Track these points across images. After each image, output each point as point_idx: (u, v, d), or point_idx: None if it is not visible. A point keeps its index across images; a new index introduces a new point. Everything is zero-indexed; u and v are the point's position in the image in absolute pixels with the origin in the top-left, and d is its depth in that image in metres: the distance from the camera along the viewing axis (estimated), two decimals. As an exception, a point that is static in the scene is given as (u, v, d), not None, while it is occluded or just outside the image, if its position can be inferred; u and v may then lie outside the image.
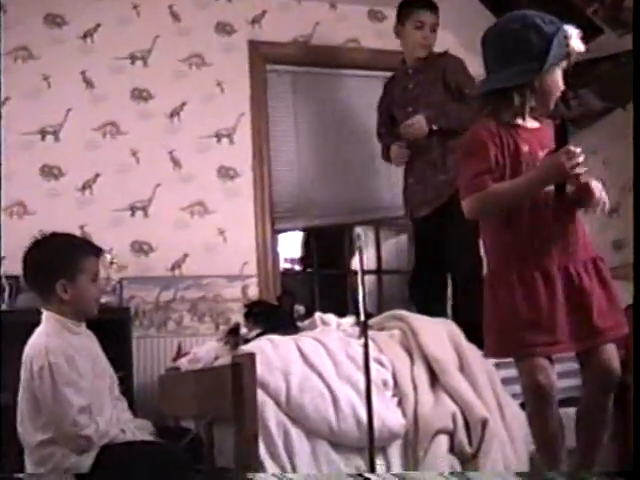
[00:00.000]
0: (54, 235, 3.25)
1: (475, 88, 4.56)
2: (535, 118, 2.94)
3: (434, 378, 3.59)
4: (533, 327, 2.75)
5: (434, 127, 4.58)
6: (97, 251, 3.27)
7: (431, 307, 4.39)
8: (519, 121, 2.89)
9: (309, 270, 5.98)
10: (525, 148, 2.85)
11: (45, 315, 3.12)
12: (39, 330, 3.09)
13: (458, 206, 4.38)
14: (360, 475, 3.12)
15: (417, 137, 4.61)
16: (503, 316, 2.80)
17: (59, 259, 3.14)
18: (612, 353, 2.86)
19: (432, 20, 4.78)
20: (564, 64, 2.89)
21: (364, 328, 3.00)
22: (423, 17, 4.78)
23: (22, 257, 3.21)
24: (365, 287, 3.05)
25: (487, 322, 2.88)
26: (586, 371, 2.93)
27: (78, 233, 4.81)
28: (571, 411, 3.79)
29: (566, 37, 2.82)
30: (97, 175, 5.03)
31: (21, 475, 3.04)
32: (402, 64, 4.93)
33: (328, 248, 6.02)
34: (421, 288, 4.76)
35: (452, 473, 3.30)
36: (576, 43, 2.85)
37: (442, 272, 4.75)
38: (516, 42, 2.80)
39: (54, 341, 3.01)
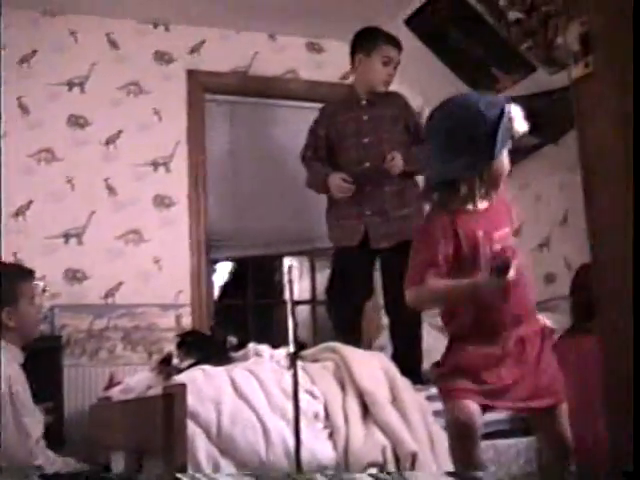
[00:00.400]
0: None
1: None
2: (486, 197, 2.88)
3: (366, 411, 3.59)
4: (469, 374, 2.79)
5: (407, 169, 4.56)
6: (30, 274, 3.28)
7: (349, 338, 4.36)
8: (469, 206, 2.85)
9: (242, 301, 5.96)
10: (480, 232, 2.81)
11: None
12: None
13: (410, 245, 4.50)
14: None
15: (394, 173, 4.56)
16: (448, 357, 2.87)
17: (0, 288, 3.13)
18: (564, 418, 2.91)
19: (397, 58, 4.77)
20: (510, 144, 2.85)
21: (293, 359, 3.01)
22: (392, 53, 4.75)
23: None
24: (296, 318, 3.06)
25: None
26: (540, 436, 3.00)
27: (11, 260, 4.78)
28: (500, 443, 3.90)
29: (510, 119, 2.79)
30: (30, 202, 4.99)
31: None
32: (350, 93, 4.89)
33: (262, 278, 6.03)
34: (341, 319, 4.72)
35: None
36: (520, 124, 2.83)
37: (359, 305, 4.74)
38: (463, 133, 2.74)
39: (12, 369, 3.01)
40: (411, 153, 4.61)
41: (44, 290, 4.64)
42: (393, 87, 5.39)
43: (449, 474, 2.81)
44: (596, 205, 2.32)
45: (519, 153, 5.75)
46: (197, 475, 3.10)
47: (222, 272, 5.95)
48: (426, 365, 4.50)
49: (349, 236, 4.69)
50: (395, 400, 3.63)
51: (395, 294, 4.46)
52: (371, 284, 4.78)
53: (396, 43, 4.80)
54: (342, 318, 4.69)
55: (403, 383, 3.73)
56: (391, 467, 3.41)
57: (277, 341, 4.52)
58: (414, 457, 3.42)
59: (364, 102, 4.79)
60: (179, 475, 2.96)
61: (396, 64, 4.79)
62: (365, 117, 4.74)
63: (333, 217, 4.79)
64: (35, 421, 2.99)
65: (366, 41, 4.80)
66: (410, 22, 5.43)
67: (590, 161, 2.35)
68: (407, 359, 4.25)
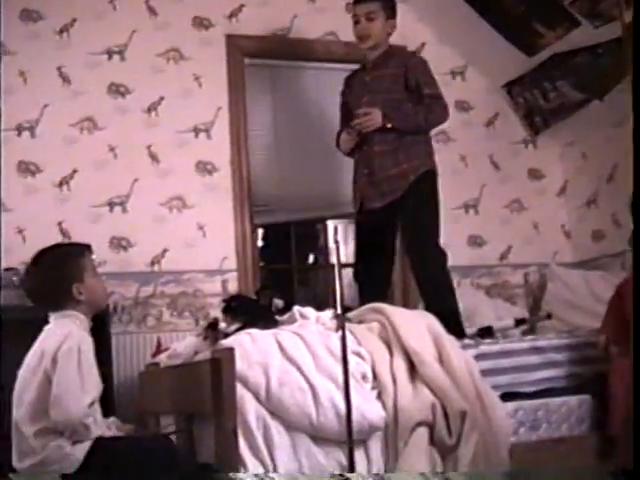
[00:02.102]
0: (47, 248, 3.40)
1: (435, 88, 4.57)
2: None
3: (413, 370, 3.58)
4: None
5: (388, 125, 4.49)
6: (88, 248, 3.45)
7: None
8: None
9: (288, 264, 5.96)
10: None
11: (62, 314, 3.24)
12: (59, 326, 3.21)
13: (413, 200, 4.47)
14: (341, 475, 3.13)
15: (368, 128, 4.51)
16: None
17: (66, 265, 3.31)
18: None
19: (364, 10, 4.64)
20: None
21: (341, 321, 2.99)
22: (356, 10, 4.69)
23: (25, 275, 3.48)
24: (342, 280, 3.05)
25: None
26: None
27: (56, 230, 4.84)
28: (551, 402, 3.87)
29: None
30: (74, 171, 5.01)
31: (11, 475, 3.08)
32: (364, 58, 4.86)
33: (307, 242, 6.02)
34: (365, 283, 4.69)
35: (433, 473, 3.31)
36: None
37: (386, 267, 4.72)
38: None
39: (82, 332, 3.18)
40: (402, 110, 4.56)
41: (91, 259, 4.68)
42: (434, 47, 5.37)
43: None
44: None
45: (564, 110, 5.71)
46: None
47: (266, 236, 5.93)
48: (469, 329, 4.48)
49: (354, 198, 4.78)
50: (442, 359, 3.61)
51: (414, 252, 4.55)
52: (388, 248, 4.72)
53: None
54: (367, 281, 4.68)
55: (449, 342, 3.70)
56: (441, 425, 3.40)
57: (322, 304, 4.54)
58: (464, 415, 3.41)
59: (370, 64, 4.76)
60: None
61: (367, 15, 4.63)
62: (367, 78, 4.72)
63: (353, 180, 4.82)
64: (94, 382, 3.09)
65: None
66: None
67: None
68: (447, 316, 4.17)
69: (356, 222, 4.86)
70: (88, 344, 3.16)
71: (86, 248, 3.43)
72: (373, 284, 4.64)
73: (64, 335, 3.11)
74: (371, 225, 4.64)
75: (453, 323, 4.17)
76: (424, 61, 4.72)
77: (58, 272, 3.28)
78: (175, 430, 3.69)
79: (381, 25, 4.67)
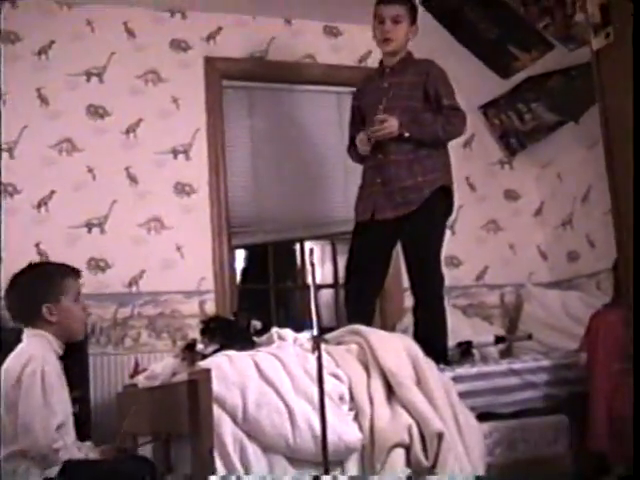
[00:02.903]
0: (32, 265, 3.49)
1: (454, 100, 4.51)
2: None
3: (391, 392, 3.59)
4: None
5: (406, 134, 4.41)
6: (75, 272, 3.39)
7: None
8: None
9: (265, 285, 5.96)
10: None
11: (32, 333, 3.24)
12: (25, 344, 3.20)
13: (425, 217, 4.42)
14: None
15: (384, 137, 4.42)
16: None
17: (42, 284, 3.30)
18: None
19: (391, 12, 4.55)
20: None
21: (317, 343, 3.01)
22: (382, 11, 4.56)
23: (5, 289, 3.38)
24: (319, 302, 3.06)
25: None
26: None
27: (34, 251, 4.83)
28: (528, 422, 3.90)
29: None
30: (52, 192, 5.01)
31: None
32: (380, 64, 4.76)
33: (285, 263, 6.03)
34: (357, 303, 4.57)
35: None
36: None
37: (379, 283, 4.63)
38: None
39: (46, 352, 3.16)
40: (420, 119, 4.49)
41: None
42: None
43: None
44: (619, 177, 2.31)
45: (540, 132, 5.76)
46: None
47: (244, 258, 5.94)
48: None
49: (364, 208, 4.61)
50: (420, 381, 3.62)
51: (416, 270, 4.47)
52: (386, 261, 4.63)
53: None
54: (355, 301, 4.57)
55: (427, 364, 3.72)
56: (418, 447, 3.41)
57: (300, 325, 4.55)
58: (440, 436, 3.42)
59: (388, 70, 4.66)
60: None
61: (394, 19, 4.54)
62: (385, 84, 4.61)
63: (360, 188, 4.71)
64: (61, 404, 3.06)
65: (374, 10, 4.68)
66: (427, 2, 5.40)
67: (612, 133, 2.33)
68: (433, 340, 4.21)
69: (356, 234, 4.68)
70: (52, 365, 3.12)
71: (72, 271, 3.41)
72: (362, 303, 4.56)
73: (28, 355, 3.10)
74: (375, 237, 4.52)
75: (440, 348, 4.21)
76: (444, 71, 4.61)
77: (32, 289, 3.28)
78: (147, 442, 3.68)
79: (406, 29, 4.59)
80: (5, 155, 4.97)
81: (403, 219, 4.45)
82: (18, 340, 3.29)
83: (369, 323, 4.30)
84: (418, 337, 4.20)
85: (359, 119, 4.74)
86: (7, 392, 3.04)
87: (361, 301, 4.56)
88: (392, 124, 4.40)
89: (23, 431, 2.97)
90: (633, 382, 2.22)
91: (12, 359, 3.15)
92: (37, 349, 3.14)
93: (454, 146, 5.93)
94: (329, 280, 5.84)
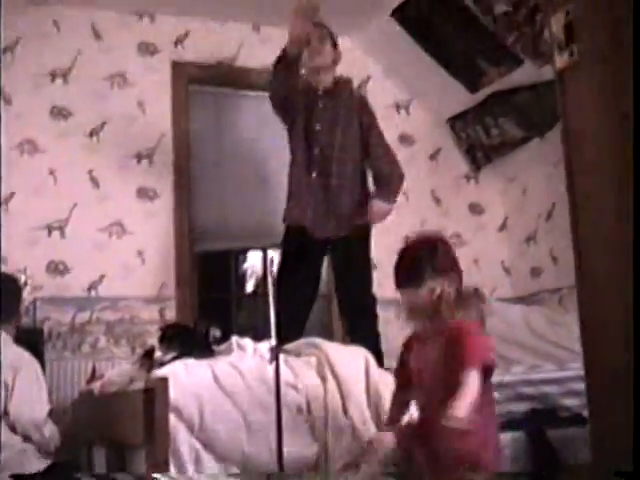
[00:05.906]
0: None
1: (383, 139, 4.64)
2: None
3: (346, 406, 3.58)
4: None
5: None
6: None
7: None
8: None
9: (226, 294, 5.92)
10: None
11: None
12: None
13: (356, 246, 4.51)
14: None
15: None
16: None
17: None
18: None
19: (316, 33, 4.54)
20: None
21: (275, 353, 2.98)
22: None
23: None
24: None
25: None
26: None
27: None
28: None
29: None
30: (12, 194, 4.94)
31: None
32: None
33: (247, 270, 5.98)
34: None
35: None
36: None
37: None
38: None
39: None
40: (355, 147, 4.57)
41: (26, 283, 4.61)
42: (379, 81, 5.39)
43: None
44: (579, 196, 2.30)
45: (506, 147, 5.77)
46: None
47: (206, 265, 5.89)
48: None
49: (297, 215, 4.60)
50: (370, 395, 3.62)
51: (343, 287, 4.59)
52: (318, 274, 4.67)
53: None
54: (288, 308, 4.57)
55: (383, 377, 3.70)
56: (373, 460, 3.39)
57: (262, 334, 4.50)
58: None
59: (320, 92, 4.64)
60: (156, 475, 2.98)
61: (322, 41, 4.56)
62: (320, 104, 4.62)
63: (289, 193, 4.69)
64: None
65: None
66: (396, 14, 5.40)
67: (574, 152, 2.33)
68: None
69: (288, 245, 4.67)
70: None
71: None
72: (296, 319, 4.51)
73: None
74: (307, 255, 4.56)
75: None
76: (366, 99, 4.75)
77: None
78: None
79: (330, 50, 4.60)
80: (-35, 155, 4.90)
81: (333, 242, 4.57)
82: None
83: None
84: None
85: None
86: None
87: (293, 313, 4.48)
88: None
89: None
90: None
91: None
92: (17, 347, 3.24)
93: (420, 159, 5.97)
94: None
